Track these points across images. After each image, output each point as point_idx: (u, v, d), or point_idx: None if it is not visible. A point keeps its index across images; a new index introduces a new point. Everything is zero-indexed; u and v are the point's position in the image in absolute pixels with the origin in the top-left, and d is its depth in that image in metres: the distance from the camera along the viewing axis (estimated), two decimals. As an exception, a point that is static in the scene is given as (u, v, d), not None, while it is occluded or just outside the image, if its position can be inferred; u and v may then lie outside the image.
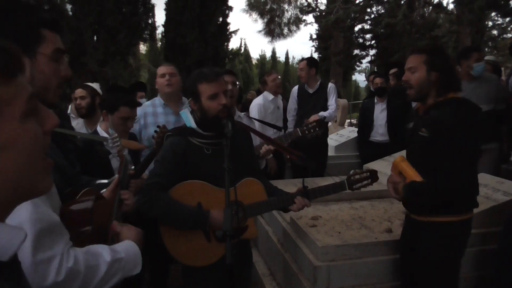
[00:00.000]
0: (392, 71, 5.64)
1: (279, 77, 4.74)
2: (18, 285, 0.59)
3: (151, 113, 2.99)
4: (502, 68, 8.31)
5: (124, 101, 2.40)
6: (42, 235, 0.99)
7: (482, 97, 3.70)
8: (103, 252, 1.15)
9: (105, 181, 1.68)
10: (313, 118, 4.63)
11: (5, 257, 0.56)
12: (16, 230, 0.59)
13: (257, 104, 4.34)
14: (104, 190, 1.58)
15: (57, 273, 0.99)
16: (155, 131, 2.32)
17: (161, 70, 3.03)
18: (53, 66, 1.11)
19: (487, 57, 4.80)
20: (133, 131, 2.83)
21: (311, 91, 4.76)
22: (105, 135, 2.45)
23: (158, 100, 3.07)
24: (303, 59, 4.97)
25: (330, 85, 4.93)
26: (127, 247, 1.24)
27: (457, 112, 1.88)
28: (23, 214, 0.96)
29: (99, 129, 2.51)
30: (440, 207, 1.93)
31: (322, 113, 4.72)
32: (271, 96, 4.44)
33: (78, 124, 3.24)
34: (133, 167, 1.99)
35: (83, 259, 1.07)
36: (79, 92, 3.24)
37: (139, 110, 3.00)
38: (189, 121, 1.98)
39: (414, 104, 4.78)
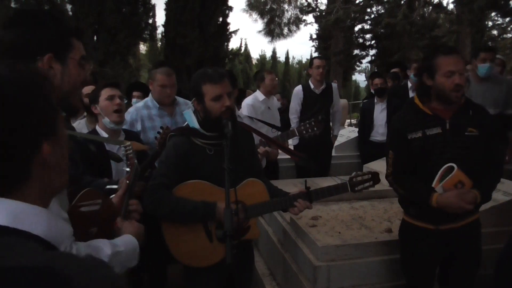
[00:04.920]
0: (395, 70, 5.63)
1: (276, 79, 4.55)
2: None
3: (147, 116, 2.91)
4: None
5: (102, 85, 2.52)
6: None
7: (490, 101, 3.58)
8: (104, 246, 1.19)
9: (115, 186, 1.68)
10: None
11: (61, 247, 0.65)
12: (68, 225, 0.70)
13: (247, 104, 4.09)
14: (113, 196, 1.59)
15: None
16: (158, 132, 2.31)
17: (163, 80, 2.88)
18: (80, 71, 1.21)
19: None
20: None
21: (317, 91, 4.67)
22: (105, 134, 2.46)
23: (150, 101, 2.97)
24: (319, 57, 4.88)
25: (334, 85, 4.89)
26: (126, 241, 1.28)
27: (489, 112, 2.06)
28: None
29: (98, 128, 2.51)
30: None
31: (336, 132, 4.95)
32: (262, 97, 4.17)
33: (79, 124, 3.24)
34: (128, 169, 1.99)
35: (84, 251, 1.10)
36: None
37: (134, 114, 2.91)
38: (192, 121, 1.99)
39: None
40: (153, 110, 2.93)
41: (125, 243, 1.26)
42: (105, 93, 2.45)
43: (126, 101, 4.07)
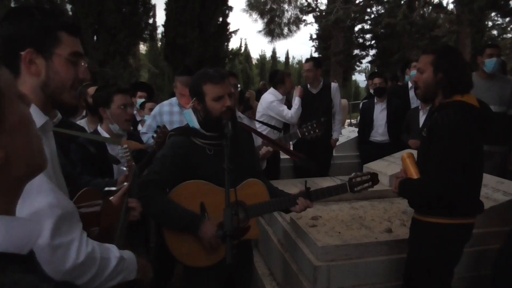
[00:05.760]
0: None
1: None
2: (42, 277, 0.61)
3: (168, 111, 3.11)
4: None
5: (115, 90, 2.45)
6: (62, 220, 1.03)
7: (496, 98, 3.61)
8: (113, 248, 1.20)
9: (114, 188, 1.70)
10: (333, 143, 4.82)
11: (25, 251, 0.58)
12: (34, 224, 0.61)
13: (273, 101, 4.34)
14: (112, 197, 1.60)
15: (77, 256, 1.04)
16: (155, 131, 2.32)
17: (181, 90, 3.01)
18: (69, 68, 1.16)
19: None
20: (150, 128, 3.02)
21: (314, 91, 4.66)
22: (106, 135, 2.46)
23: (175, 100, 3.19)
24: (308, 59, 4.87)
25: (334, 85, 4.86)
26: (127, 252, 1.29)
27: (450, 117, 1.81)
28: (43, 200, 1.00)
29: (99, 129, 2.50)
30: (434, 207, 1.91)
31: (335, 136, 4.80)
32: (280, 96, 4.42)
33: (80, 124, 3.23)
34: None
35: (98, 248, 1.12)
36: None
37: (157, 109, 3.15)
38: (192, 121, 1.99)
39: (415, 104, 4.77)
40: (175, 107, 3.15)
41: (126, 253, 1.28)
42: (118, 100, 2.40)
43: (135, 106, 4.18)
